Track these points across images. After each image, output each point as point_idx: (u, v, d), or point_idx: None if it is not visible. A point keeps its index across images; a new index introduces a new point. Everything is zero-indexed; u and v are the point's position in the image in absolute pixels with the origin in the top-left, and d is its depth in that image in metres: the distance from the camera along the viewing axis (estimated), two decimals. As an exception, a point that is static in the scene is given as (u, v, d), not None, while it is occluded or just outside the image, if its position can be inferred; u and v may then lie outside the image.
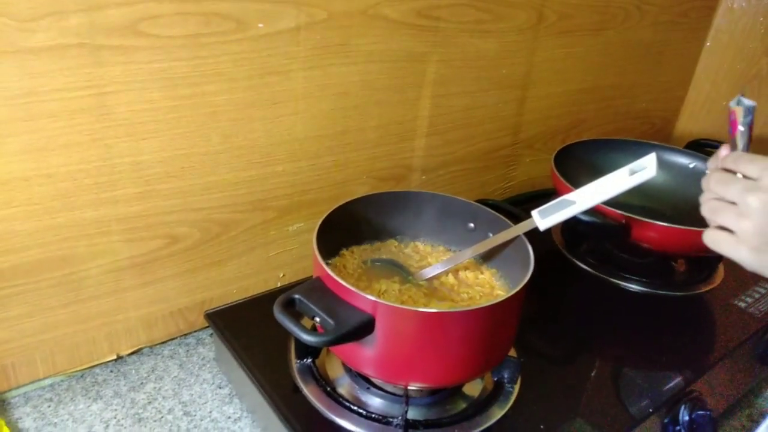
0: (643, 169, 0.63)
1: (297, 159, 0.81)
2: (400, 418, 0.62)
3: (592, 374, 0.76)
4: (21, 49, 0.57)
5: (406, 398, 0.63)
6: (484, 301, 0.70)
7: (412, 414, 0.64)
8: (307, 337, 0.55)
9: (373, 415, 0.64)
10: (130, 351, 0.79)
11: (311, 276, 0.63)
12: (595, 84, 1.19)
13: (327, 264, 0.61)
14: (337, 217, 0.70)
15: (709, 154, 1.11)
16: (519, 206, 0.86)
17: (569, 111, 1.18)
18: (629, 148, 1.08)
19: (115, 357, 0.77)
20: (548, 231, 0.68)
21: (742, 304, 0.89)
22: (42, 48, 0.58)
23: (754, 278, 0.96)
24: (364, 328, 0.57)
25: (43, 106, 0.60)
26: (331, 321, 0.56)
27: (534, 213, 0.68)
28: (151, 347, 0.81)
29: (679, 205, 1.02)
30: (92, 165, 0.65)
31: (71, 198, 0.66)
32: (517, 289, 0.60)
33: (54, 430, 0.67)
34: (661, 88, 1.37)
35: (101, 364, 0.77)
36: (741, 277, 0.96)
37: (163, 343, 0.81)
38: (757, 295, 0.92)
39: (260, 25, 0.69)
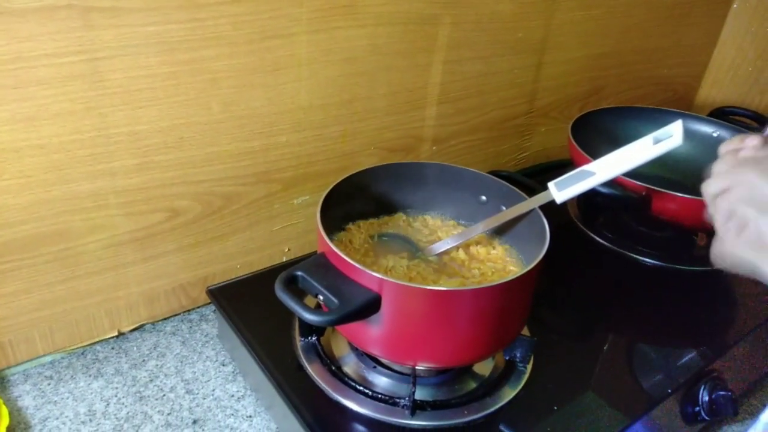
0: (669, 137, 0.59)
1: (301, 129, 0.78)
2: (407, 398, 0.60)
3: (608, 353, 0.73)
4: (6, 10, 0.53)
5: (414, 378, 0.60)
6: (497, 277, 0.67)
7: (420, 394, 0.62)
8: (309, 317, 0.53)
9: (380, 396, 0.61)
10: (131, 327, 0.77)
11: (317, 251, 0.61)
12: (616, 48, 1.13)
13: (332, 239, 0.59)
14: (342, 190, 0.67)
15: (733, 122, 1.06)
16: (533, 178, 0.82)
17: (588, 77, 1.13)
18: (650, 116, 1.03)
19: (116, 333, 0.76)
20: (563, 203, 0.64)
21: (767, 280, 0.86)
22: (28, 9, 0.54)
23: (780, 253, 0.92)
24: (369, 307, 0.54)
25: (32, 72, 0.57)
26: (335, 299, 0.53)
27: (551, 185, 0.64)
28: (153, 324, 0.79)
29: (702, 176, 0.98)
30: (86, 135, 0.62)
31: (65, 170, 0.63)
32: (532, 265, 0.57)
33: (54, 409, 0.66)
34: (685, 53, 1.31)
35: (102, 340, 0.75)
36: (766, 251, 0.92)
37: (165, 319, 0.79)
38: (782, 271, 0.88)
39: (261, -16, 0.65)
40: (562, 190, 0.63)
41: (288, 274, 0.56)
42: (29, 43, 0.56)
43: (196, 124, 0.69)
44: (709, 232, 0.94)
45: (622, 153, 0.62)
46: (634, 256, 0.89)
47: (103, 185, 0.66)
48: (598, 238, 0.92)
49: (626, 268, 0.89)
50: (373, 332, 0.57)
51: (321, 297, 0.55)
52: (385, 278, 0.53)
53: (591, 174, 0.63)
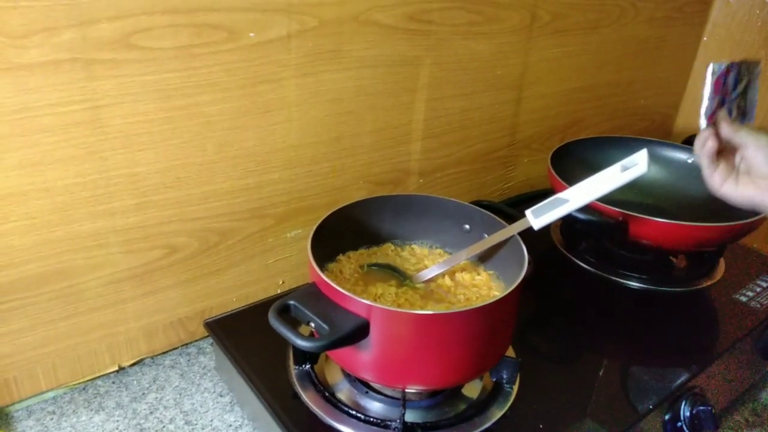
0: (635, 165, 0.63)
1: (293, 166, 0.82)
2: (398, 421, 0.62)
3: (592, 373, 0.75)
4: (14, 65, 0.58)
5: (404, 401, 0.63)
6: (480, 302, 0.70)
7: (411, 417, 0.64)
8: (301, 343, 0.55)
9: (372, 420, 0.64)
10: (131, 362, 0.79)
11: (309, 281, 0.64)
12: (592, 82, 1.19)
13: (323, 269, 0.62)
14: (332, 223, 0.70)
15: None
16: (518, 207, 0.86)
17: (566, 110, 1.18)
18: (627, 145, 1.07)
19: (116, 368, 0.78)
20: (547, 230, 0.68)
21: (744, 298, 0.89)
22: (35, 64, 0.59)
23: (756, 272, 0.96)
24: (358, 332, 0.57)
25: (37, 121, 0.61)
26: (325, 326, 0.56)
27: (528, 212, 0.68)
28: (152, 358, 0.81)
29: (679, 200, 1.02)
30: (89, 178, 0.66)
31: (68, 211, 0.66)
32: (512, 288, 0.60)
33: (57, 442, 0.68)
34: (660, 84, 1.37)
35: (103, 375, 0.77)
36: (742, 271, 0.96)
37: (164, 353, 0.82)
38: (758, 289, 0.91)
39: (251, 34, 0.70)
40: (538, 217, 0.67)
41: (281, 304, 0.59)
42: (35, 94, 0.60)
43: (192, 164, 0.72)
44: (688, 254, 0.98)
45: (592, 180, 0.65)
46: (616, 279, 0.93)
47: (104, 225, 0.69)
48: (580, 263, 0.96)
49: (608, 290, 0.92)
50: (363, 357, 0.60)
51: (312, 324, 0.58)
52: (373, 304, 0.56)
53: (565, 201, 0.66)
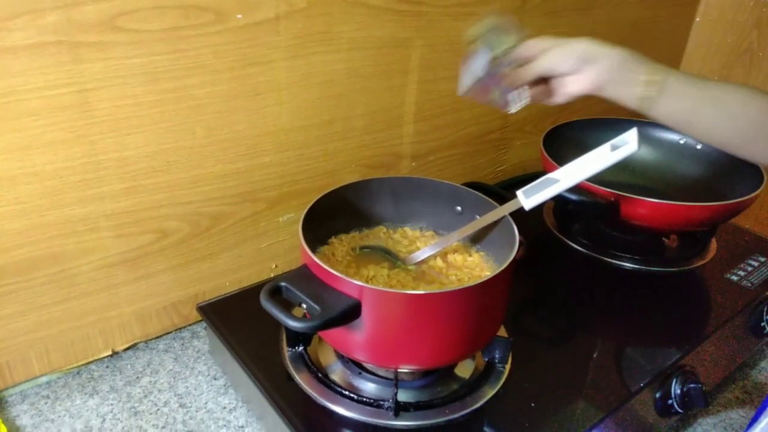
0: (625, 144, 0.63)
1: (284, 150, 0.81)
2: (390, 400, 0.63)
3: (584, 352, 0.76)
4: (-1, 48, 0.57)
5: (396, 381, 0.63)
6: (472, 282, 0.70)
7: (404, 396, 0.65)
8: (293, 323, 0.55)
9: (365, 399, 0.64)
10: (125, 346, 0.79)
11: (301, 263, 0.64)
12: (584, 64, 1.18)
13: (315, 252, 0.62)
14: (323, 206, 0.70)
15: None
16: (510, 190, 0.86)
17: (559, 92, 1.18)
18: (619, 126, 1.05)
19: (110, 353, 0.78)
20: (539, 213, 0.68)
21: (735, 278, 0.90)
22: (20, 47, 0.58)
23: (747, 252, 0.96)
24: (350, 313, 0.57)
25: (24, 104, 0.61)
26: (317, 307, 0.56)
27: (519, 193, 0.68)
28: (146, 342, 0.81)
29: (671, 180, 1.02)
30: (77, 162, 0.66)
31: (58, 196, 0.66)
32: (503, 267, 0.60)
33: (51, 426, 0.68)
34: (652, 66, 1.36)
35: (97, 360, 0.78)
36: (733, 251, 0.97)
37: (157, 337, 0.82)
38: (749, 268, 0.92)
39: (239, 15, 0.69)
40: (529, 197, 0.67)
41: (272, 285, 0.59)
42: (22, 77, 0.59)
43: (182, 148, 0.72)
44: (680, 234, 0.98)
45: (583, 160, 0.65)
46: (608, 260, 0.93)
47: (94, 209, 0.69)
48: (573, 245, 0.96)
49: (601, 271, 0.93)
50: (355, 337, 0.60)
51: (304, 305, 0.58)
52: (364, 285, 0.56)
53: (555, 181, 0.66)
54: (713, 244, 0.97)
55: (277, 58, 0.75)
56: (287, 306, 0.59)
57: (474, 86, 0.70)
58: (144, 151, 0.70)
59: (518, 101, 0.68)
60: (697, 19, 1.37)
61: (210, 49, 0.69)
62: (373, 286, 0.57)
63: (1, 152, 0.61)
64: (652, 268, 0.92)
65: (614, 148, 0.64)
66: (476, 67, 0.69)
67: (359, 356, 0.64)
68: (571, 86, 0.66)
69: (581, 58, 0.63)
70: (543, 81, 0.68)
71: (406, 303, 0.58)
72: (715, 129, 0.62)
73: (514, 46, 0.70)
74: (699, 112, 0.62)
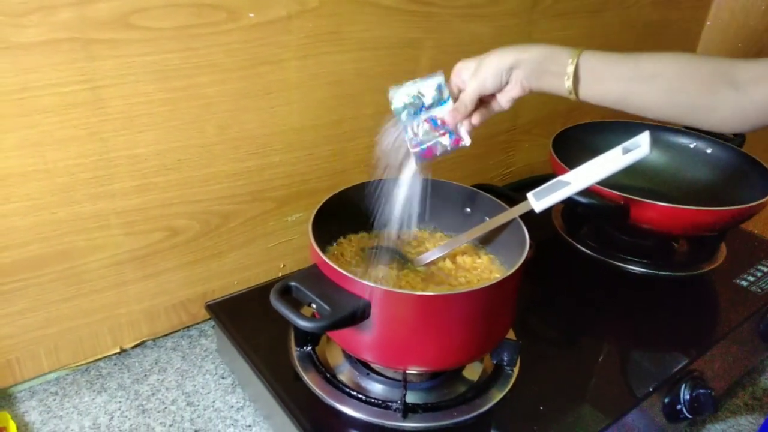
0: (637, 147, 0.63)
1: (293, 149, 0.81)
2: (399, 402, 0.62)
3: (593, 356, 0.76)
4: (12, 44, 0.57)
5: (405, 382, 0.63)
6: (481, 284, 0.70)
7: (412, 398, 0.64)
8: (302, 323, 0.56)
9: (373, 400, 0.64)
10: (133, 344, 0.80)
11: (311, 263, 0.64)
12: (594, 66, 1.18)
13: (324, 252, 0.62)
14: (333, 206, 0.70)
15: (710, 134, 1.11)
16: (518, 192, 0.85)
17: (568, 94, 1.17)
18: (629, 129, 1.04)
19: (118, 350, 0.78)
20: (548, 215, 0.67)
21: (744, 283, 0.89)
22: (33, 43, 0.58)
23: (757, 257, 0.96)
24: (359, 313, 0.57)
25: (37, 101, 0.61)
26: (327, 307, 0.56)
27: (529, 195, 0.68)
28: (154, 340, 0.81)
29: (681, 184, 1.02)
30: (89, 159, 0.66)
31: (69, 192, 0.66)
32: (513, 270, 0.60)
33: (59, 423, 0.68)
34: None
35: (105, 357, 0.78)
36: (743, 256, 0.96)
37: (166, 335, 0.82)
38: (759, 274, 0.91)
39: (251, 14, 0.69)
40: (540, 200, 0.67)
41: (282, 285, 0.59)
42: (35, 74, 0.60)
43: (193, 146, 0.72)
44: (689, 239, 0.98)
45: (594, 163, 0.65)
46: (617, 263, 0.93)
47: (105, 206, 0.69)
48: (582, 248, 0.96)
49: (609, 275, 0.92)
50: (364, 338, 0.60)
51: (314, 305, 0.58)
52: (374, 285, 0.56)
53: (566, 184, 0.66)
54: (723, 249, 0.97)
55: (288, 58, 0.75)
56: (296, 305, 0.59)
57: (422, 154, 0.68)
58: (155, 149, 0.70)
59: (468, 131, 0.68)
60: (708, 23, 1.37)
61: (222, 47, 0.69)
62: (382, 287, 0.57)
63: (13, 148, 0.61)
64: (661, 272, 0.92)
65: (626, 151, 0.63)
66: (413, 136, 0.68)
67: (368, 357, 0.64)
68: (505, 96, 0.66)
69: (505, 69, 0.63)
70: (479, 102, 0.67)
71: (415, 304, 0.58)
72: (652, 106, 0.60)
73: (436, 95, 0.68)
74: (631, 91, 0.60)
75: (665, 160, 1.05)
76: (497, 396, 0.66)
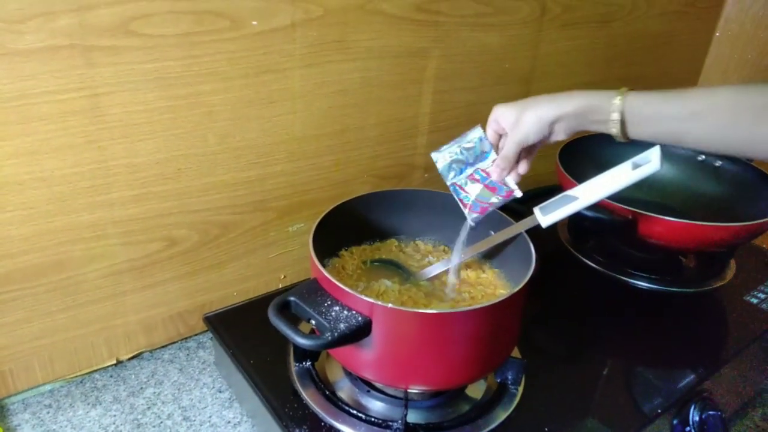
0: (648, 163, 0.61)
1: (296, 159, 0.80)
2: (399, 421, 0.61)
3: (599, 374, 0.74)
4: (10, 51, 0.56)
5: (406, 401, 0.62)
6: (486, 300, 0.68)
7: (413, 417, 0.63)
8: (301, 341, 0.54)
9: (373, 420, 0.62)
10: (129, 356, 0.78)
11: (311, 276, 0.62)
12: (602, 77, 1.17)
13: (325, 265, 0.60)
14: (334, 217, 0.68)
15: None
16: (525, 203, 0.84)
17: (575, 105, 1.16)
18: (639, 142, 1.05)
19: (114, 362, 0.77)
20: (554, 228, 0.66)
21: (755, 300, 0.87)
22: (32, 50, 0.57)
23: (767, 274, 0.94)
24: (360, 331, 0.55)
25: (35, 108, 0.60)
26: (326, 323, 0.55)
27: (536, 210, 0.66)
28: (151, 351, 0.80)
29: (689, 199, 1.00)
30: (87, 168, 0.65)
31: (66, 201, 0.65)
32: (519, 287, 0.59)
33: (53, 436, 0.67)
34: (671, 80, 1.34)
35: (101, 369, 0.76)
36: (753, 272, 0.94)
37: (163, 347, 0.81)
38: (770, 291, 0.89)
39: (254, 22, 0.68)
40: (547, 215, 0.65)
41: (281, 300, 0.58)
42: (32, 81, 0.58)
43: (193, 155, 0.71)
44: (698, 254, 0.96)
45: (603, 178, 0.64)
46: (624, 278, 0.91)
47: (103, 216, 0.68)
48: (588, 262, 0.94)
49: (616, 290, 0.90)
50: (365, 356, 0.59)
51: (313, 321, 0.56)
52: (376, 302, 0.55)
53: (574, 199, 0.65)
54: (732, 265, 0.95)
55: (292, 66, 0.74)
56: (296, 321, 0.57)
57: (475, 211, 0.68)
58: (154, 158, 0.68)
59: (516, 180, 0.67)
60: (717, 34, 1.35)
61: (224, 55, 0.68)
62: (384, 304, 0.55)
63: (9, 156, 0.60)
64: (669, 288, 0.90)
65: (636, 166, 0.62)
66: (464, 194, 0.68)
67: (368, 375, 0.62)
68: (549, 142, 0.65)
69: (548, 123, 0.61)
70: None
71: (419, 322, 0.56)
72: (706, 142, 0.58)
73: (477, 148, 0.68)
74: (683, 131, 0.58)
75: (673, 172, 1.04)
76: (501, 416, 0.65)
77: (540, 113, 0.62)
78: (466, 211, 0.68)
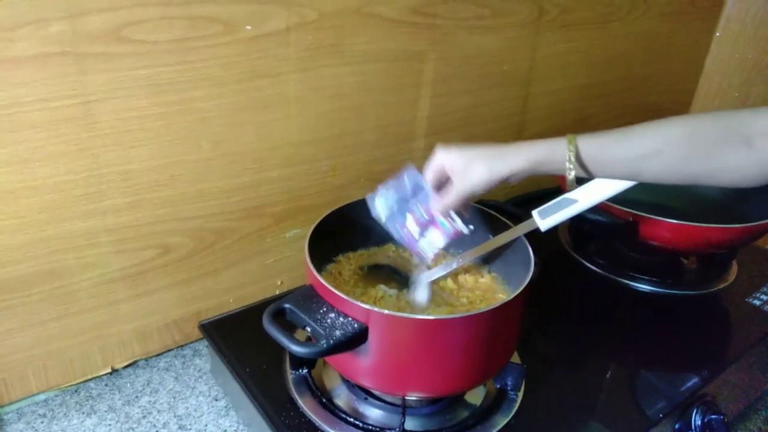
0: (647, 165, 0.60)
1: (292, 164, 0.79)
2: (397, 429, 0.60)
3: (600, 379, 0.73)
4: (2, 58, 0.56)
5: (403, 409, 0.61)
6: (485, 305, 0.67)
7: (411, 424, 0.62)
8: (296, 349, 0.53)
9: (371, 427, 0.62)
10: (124, 364, 0.77)
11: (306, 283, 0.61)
12: (601, 78, 1.16)
13: (321, 271, 0.60)
14: (331, 223, 0.68)
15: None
16: (524, 206, 0.83)
17: (575, 107, 1.15)
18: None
19: (109, 370, 0.76)
20: (554, 230, 0.65)
21: (757, 302, 0.86)
22: (24, 57, 0.57)
23: (770, 275, 0.93)
24: (357, 338, 0.55)
25: (26, 116, 0.59)
26: (322, 331, 0.54)
27: (534, 213, 0.65)
28: (146, 360, 0.79)
29: (691, 200, 0.99)
30: (79, 176, 0.64)
31: (59, 210, 0.64)
32: (518, 292, 0.58)
33: (47, 447, 0.66)
34: (671, 81, 1.33)
35: (95, 377, 0.76)
36: (756, 274, 0.93)
37: (158, 355, 0.80)
38: (773, 293, 0.88)
39: (248, 27, 0.68)
40: (545, 218, 0.64)
41: (275, 307, 0.57)
42: (24, 88, 0.58)
43: (187, 162, 0.70)
44: (700, 256, 0.95)
45: (603, 180, 0.63)
46: (625, 281, 0.90)
47: (96, 224, 0.67)
48: (589, 265, 0.93)
49: (617, 293, 0.90)
50: (361, 363, 0.58)
51: (308, 329, 0.56)
52: (372, 308, 0.54)
53: (573, 201, 0.64)
54: (734, 267, 0.94)
55: (287, 71, 0.73)
56: (291, 329, 0.56)
57: (424, 254, 0.65)
58: (148, 165, 0.68)
59: (462, 219, 0.65)
60: (717, 34, 1.34)
61: (218, 60, 0.67)
62: (381, 310, 0.54)
63: (1, 165, 0.59)
64: (671, 291, 0.89)
65: (635, 168, 0.61)
66: (409, 239, 0.65)
67: (365, 382, 0.61)
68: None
69: (497, 181, 0.58)
70: None
71: (417, 329, 0.55)
72: (663, 177, 0.57)
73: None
74: (639, 169, 0.56)
75: (674, 174, 1.02)
76: (501, 422, 0.64)
77: (490, 170, 0.58)
78: (415, 255, 0.66)
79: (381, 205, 0.64)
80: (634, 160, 0.56)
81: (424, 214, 0.64)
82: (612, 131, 0.58)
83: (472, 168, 0.58)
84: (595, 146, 0.57)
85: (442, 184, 0.62)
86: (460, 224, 0.64)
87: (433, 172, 0.62)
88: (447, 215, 0.64)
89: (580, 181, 0.59)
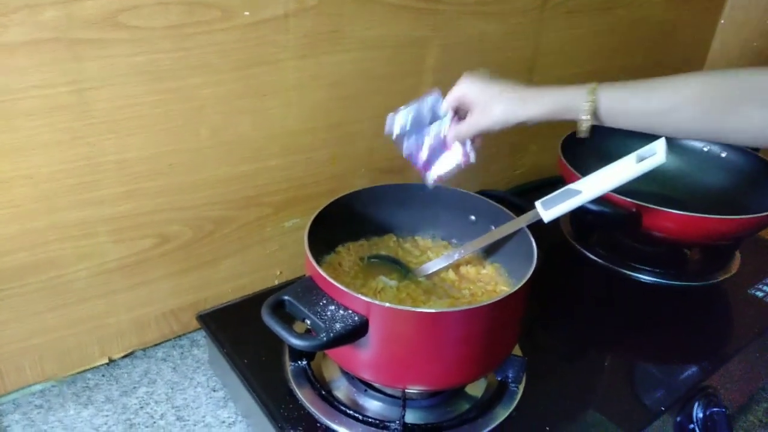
0: (652, 155, 0.60)
1: (291, 153, 0.78)
2: (397, 422, 0.59)
3: (602, 371, 0.72)
4: (-7, 44, 0.54)
5: (404, 401, 0.60)
6: (487, 297, 0.67)
7: (411, 417, 0.61)
8: (296, 341, 0.52)
9: (370, 420, 0.61)
10: (122, 354, 0.77)
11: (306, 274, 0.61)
12: (605, 66, 1.14)
13: (321, 262, 0.59)
14: (331, 213, 0.67)
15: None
16: (526, 195, 0.82)
17: (578, 95, 1.14)
18: (643, 134, 1.03)
19: (106, 361, 0.75)
20: (556, 221, 0.64)
21: (760, 294, 0.86)
22: (16, 43, 0.55)
23: (774, 266, 0.92)
24: (357, 331, 0.54)
25: (19, 104, 0.58)
26: (321, 324, 0.53)
27: (537, 204, 0.64)
28: (143, 350, 0.78)
29: (694, 190, 0.98)
30: (74, 164, 0.63)
31: (54, 199, 0.63)
32: (520, 285, 0.57)
33: (44, 438, 0.66)
34: (675, 68, 1.30)
35: (92, 368, 0.75)
36: (758, 265, 0.93)
37: (156, 345, 0.79)
38: (776, 284, 0.88)
39: (246, 13, 0.66)
40: (549, 209, 0.64)
41: (275, 299, 0.56)
42: (17, 75, 0.56)
43: (185, 150, 0.69)
44: (703, 247, 0.94)
45: (606, 171, 0.62)
46: (628, 272, 0.89)
47: (92, 213, 0.66)
48: (591, 255, 0.92)
49: (620, 284, 0.89)
50: (362, 356, 0.57)
51: (308, 321, 0.55)
52: (372, 301, 0.53)
53: (577, 192, 0.63)
54: (737, 258, 0.93)
55: (285, 58, 0.71)
56: (290, 320, 0.56)
57: (431, 172, 0.68)
58: (144, 153, 0.66)
59: (476, 147, 0.67)
60: (722, 22, 1.32)
61: (215, 47, 0.66)
62: (382, 304, 0.54)
63: (-6, 153, 0.58)
64: (673, 282, 0.88)
65: (640, 159, 0.60)
66: (418, 157, 0.68)
67: (365, 375, 0.61)
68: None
69: (514, 124, 0.61)
70: None
71: (417, 321, 0.55)
72: (680, 133, 0.57)
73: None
74: (656, 124, 0.57)
75: (678, 163, 1.02)
76: (502, 415, 0.63)
77: (508, 114, 0.61)
78: (422, 174, 0.68)
79: (397, 123, 0.67)
80: (653, 115, 0.57)
81: (439, 134, 0.66)
82: (631, 83, 0.59)
83: (491, 106, 0.61)
84: (614, 99, 0.59)
85: (461, 110, 0.65)
86: (470, 151, 0.66)
87: (455, 100, 0.65)
88: (461, 142, 0.66)
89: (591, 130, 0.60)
